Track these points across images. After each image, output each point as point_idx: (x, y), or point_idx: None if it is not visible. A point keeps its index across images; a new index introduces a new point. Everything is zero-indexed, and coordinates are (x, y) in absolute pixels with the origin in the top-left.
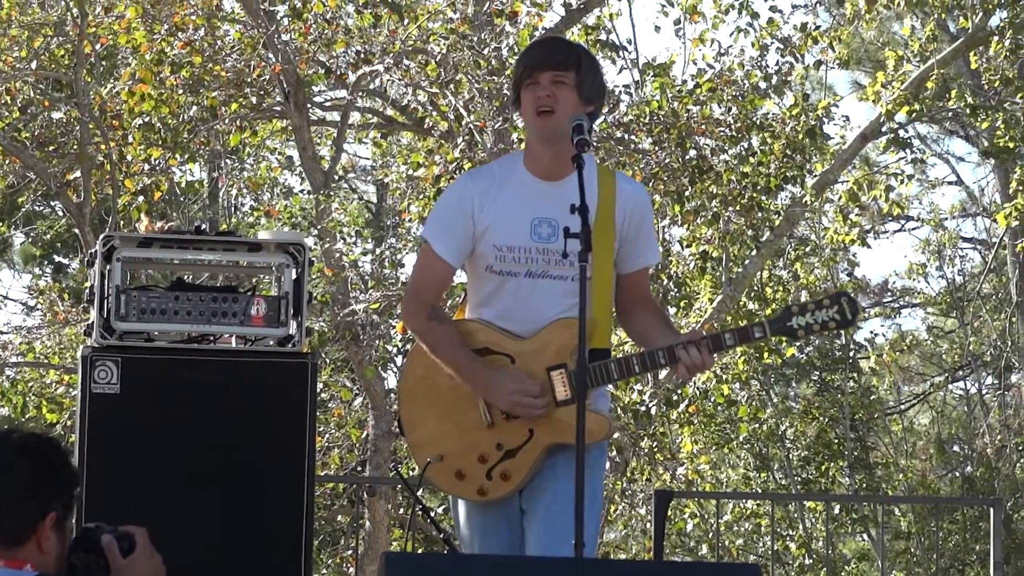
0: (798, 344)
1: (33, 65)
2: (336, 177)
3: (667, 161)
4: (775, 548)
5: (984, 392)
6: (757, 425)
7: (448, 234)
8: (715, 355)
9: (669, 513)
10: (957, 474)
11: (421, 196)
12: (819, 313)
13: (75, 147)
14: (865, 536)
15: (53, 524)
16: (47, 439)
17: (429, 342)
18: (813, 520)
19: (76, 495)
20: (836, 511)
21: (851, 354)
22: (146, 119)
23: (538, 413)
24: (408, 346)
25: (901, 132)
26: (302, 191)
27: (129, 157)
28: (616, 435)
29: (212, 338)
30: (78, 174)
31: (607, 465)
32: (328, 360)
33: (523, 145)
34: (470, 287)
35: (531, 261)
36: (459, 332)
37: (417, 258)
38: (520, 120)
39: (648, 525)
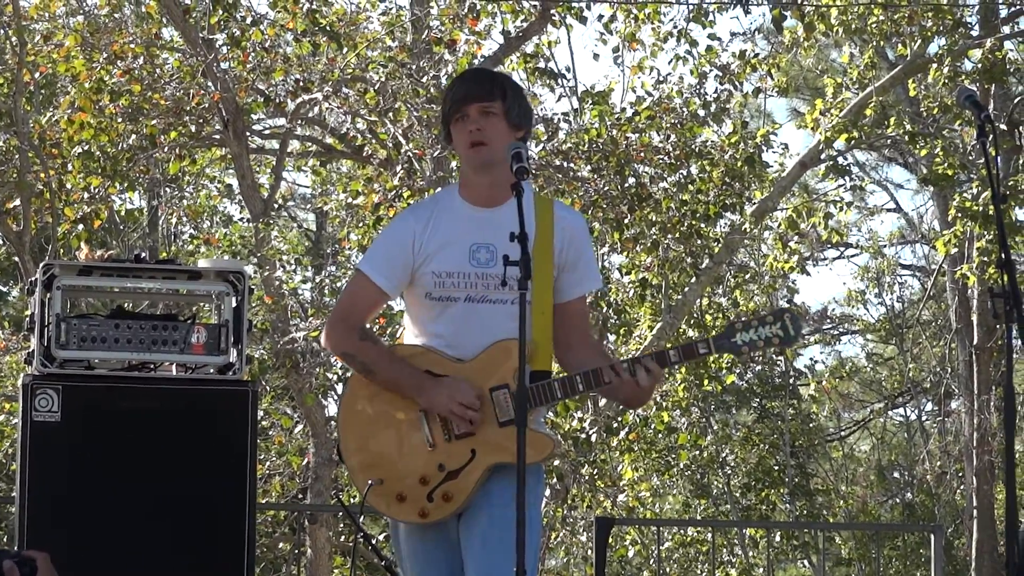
0: (738, 371)
1: None
2: (275, 205)
3: (606, 189)
4: (716, 575)
5: (924, 419)
6: (697, 452)
7: (384, 263)
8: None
9: (610, 540)
10: (897, 500)
11: (360, 224)
12: (762, 330)
13: (14, 175)
14: (806, 563)
15: None
16: None
17: (363, 361)
18: (754, 547)
19: None
20: (777, 538)
21: (791, 381)
22: (85, 147)
23: (472, 420)
24: (349, 373)
25: (840, 159)
26: (241, 219)
27: (68, 185)
28: (556, 462)
29: (152, 366)
30: (17, 202)
31: (547, 492)
32: (268, 388)
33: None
34: (409, 318)
35: (470, 286)
36: (400, 354)
37: (346, 287)
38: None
39: (589, 552)
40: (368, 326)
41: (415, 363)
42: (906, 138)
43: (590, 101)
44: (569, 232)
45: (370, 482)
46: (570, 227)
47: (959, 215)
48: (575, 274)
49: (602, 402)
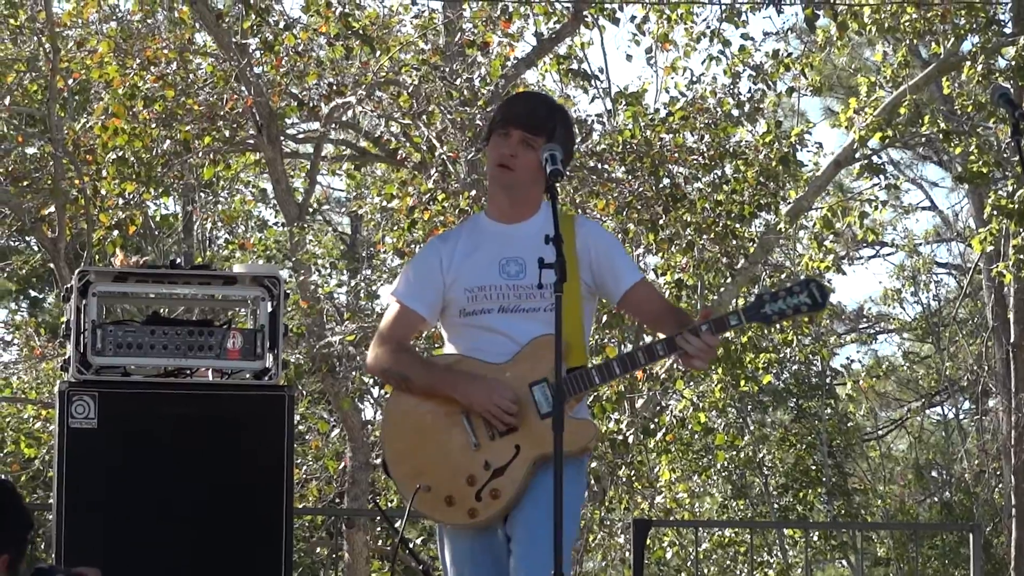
0: (774, 371)
1: (6, 101)
2: (310, 209)
3: (640, 190)
4: None
5: (961, 417)
6: (734, 453)
7: (417, 288)
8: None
9: (648, 542)
10: (936, 500)
11: (395, 227)
12: (790, 299)
13: (49, 182)
14: (844, 563)
15: (6, 567)
16: (1, 482)
17: (399, 372)
18: (791, 548)
19: (29, 538)
20: (815, 538)
21: (828, 380)
22: (119, 153)
23: (509, 421)
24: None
25: (874, 158)
26: (276, 224)
27: (103, 191)
28: (594, 464)
29: (189, 372)
30: (52, 209)
31: (584, 493)
32: (305, 392)
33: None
34: (447, 340)
35: (502, 297)
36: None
37: (384, 316)
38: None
39: (627, 554)
40: (404, 343)
41: (455, 368)
42: (940, 136)
43: (624, 102)
44: (592, 238)
45: (418, 487)
46: (592, 234)
47: (994, 213)
48: (613, 273)
49: (639, 403)
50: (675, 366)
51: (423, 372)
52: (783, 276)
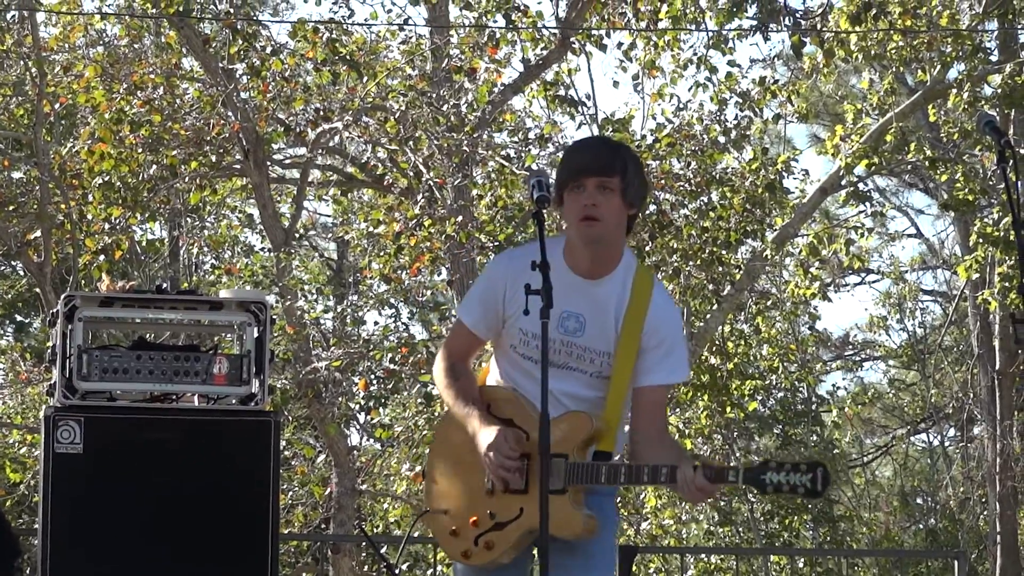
0: (760, 398)
1: None
2: (297, 235)
3: None
4: None
5: (946, 444)
6: None
7: (479, 310)
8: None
9: (634, 569)
10: (921, 527)
11: (382, 253)
12: (793, 476)
13: (35, 207)
14: None
15: None
16: None
17: (444, 397)
18: (777, 574)
19: (16, 565)
20: (800, 565)
21: (813, 407)
22: (106, 178)
23: (506, 476)
24: (371, 402)
25: (860, 185)
26: (263, 249)
27: (89, 216)
28: None
29: (175, 397)
30: (38, 234)
31: None
32: (291, 418)
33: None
34: (495, 355)
35: (555, 352)
36: (492, 397)
37: (453, 326)
38: (479, 175)
39: None
40: (459, 363)
41: (502, 410)
42: (926, 163)
43: (610, 128)
44: (661, 319)
45: (445, 511)
46: (663, 315)
47: (980, 240)
48: (659, 360)
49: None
50: None
51: (457, 403)
52: (769, 303)
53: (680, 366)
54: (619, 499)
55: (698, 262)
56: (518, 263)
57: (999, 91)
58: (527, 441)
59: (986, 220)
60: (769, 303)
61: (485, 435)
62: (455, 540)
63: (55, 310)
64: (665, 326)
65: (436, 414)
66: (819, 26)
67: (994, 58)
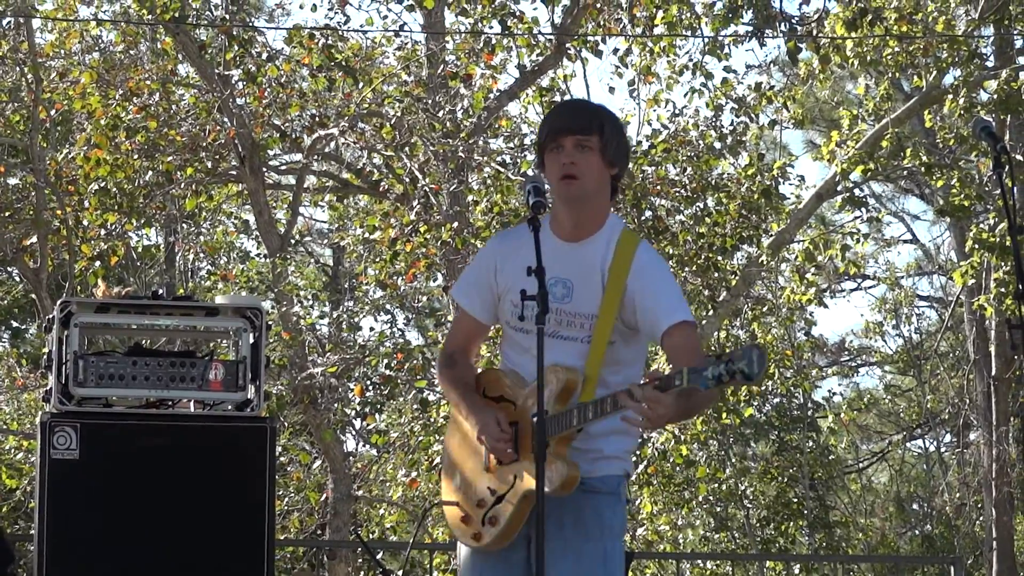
0: (756, 403)
1: None
2: (292, 241)
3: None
4: None
5: (942, 450)
6: (716, 485)
7: (473, 290)
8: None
9: (630, 574)
10: (917, 532)
11: (377, 259)
12: (732, 364)
13: (31, 213)
14: None
15: None
16: None
17: (443, 388)
18: None
19: (10, 571)
20: (796, 571)
21: (809, 413)
22: (102, 184)
23: (501, 456)
24: (367, 408)
25: (856, 191)
26: (259, 255)
27: (85, 222)
28: None
29: (170, 403)
30: (34, 240)
31: None
32: (286, 424)
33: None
34: (503, 340)
35: (549, 320)
36: (486, 380)
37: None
38: (475, 181)
39: None
40: (457, 353)
41: (497, 387)
42: (922, 169)
43: None
44: (642, 272)
45: (456, 503)
46: (645, 267)
47: (976, 246)
48: (657, 310)
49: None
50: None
51: (452, 394)
52: (765, 309)
53: (676, 305)
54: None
55: (694, 268)
56: (508, 241)
57: (995, 97)
58: (515, 410)
59: (982, 226)
60: (765, 309)
61: (476, 420)
62: (466, 527)
63: (51, 316)
64: (650, 277)
65: (432, 420)
66: (815, 32)
67: (990, 64)
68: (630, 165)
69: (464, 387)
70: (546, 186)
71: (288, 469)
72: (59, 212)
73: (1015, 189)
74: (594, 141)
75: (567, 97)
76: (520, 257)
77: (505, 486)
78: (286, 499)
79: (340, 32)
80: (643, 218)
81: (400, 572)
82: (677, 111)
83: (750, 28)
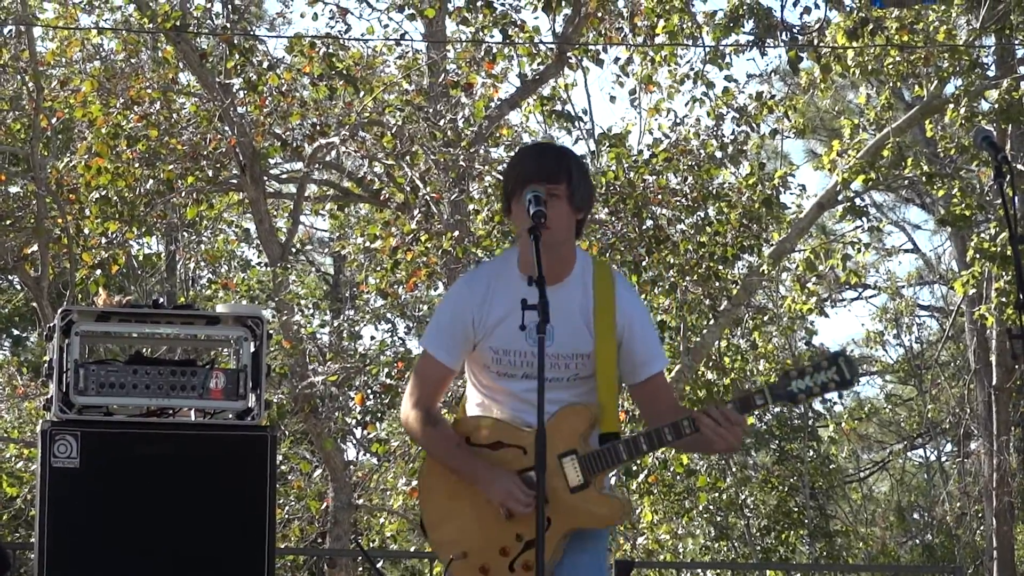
0: (756, 413)
1: None
2: (293, 249)
3: (623, 231)
4: None
5: (943, 460)
6: (717, 494)
7: (447, 339)
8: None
9: None
10: (917, 542)
11: (378, 268)
12: (818, 375)
13: (32, 221)
14: None
15: None
16: None
17: (428, 448)
18: None
19: None
20: None
21: (810, 423)
22: (103, 192)
23: (526, 512)
24: (368, 417)
25: (857, 200)
26: (259, 264)
27: (86, 231)
28: None
29: (171, 412)
30: (35, 248)
31: None
32: (287, 432)
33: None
34: (471, 379)
35: (527, 364)
36: (468, 428)
37: (415, 365)
38: (476, 190)
39: None
40: (433, 409)
41: (485, 435)
42: (923, 179)
43: (607, 143)
44: (629, 315)
45: (452, 557)
46: (630, 309)
47: (977, 256)
48: (643, 354)
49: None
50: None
51: (447, 454)
52: (766, 318)
53: (661, 349)
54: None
55: (695, 277)
56: (477, 283)
57: (996, 106)
58: (525, 456)
59: (983, 235)
60: (766, 318)
61: (496, 488)
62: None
63: (52, 324)
64: (638, 317)
65: None
66: (816, 41)
67: (991, 73)
68: (631, 174)
69: (460, 448)
70: (541, 196)
71: (289, 478)
72: (60, 220)
73: (1016, 199)
74: (562, 189)
75: (567, 107)
76: (497, 300)
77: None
78: (287, 508)
79: (341, 41)
80: (644, 227)
81: None
82: (678, 120)
83: (751, 37)
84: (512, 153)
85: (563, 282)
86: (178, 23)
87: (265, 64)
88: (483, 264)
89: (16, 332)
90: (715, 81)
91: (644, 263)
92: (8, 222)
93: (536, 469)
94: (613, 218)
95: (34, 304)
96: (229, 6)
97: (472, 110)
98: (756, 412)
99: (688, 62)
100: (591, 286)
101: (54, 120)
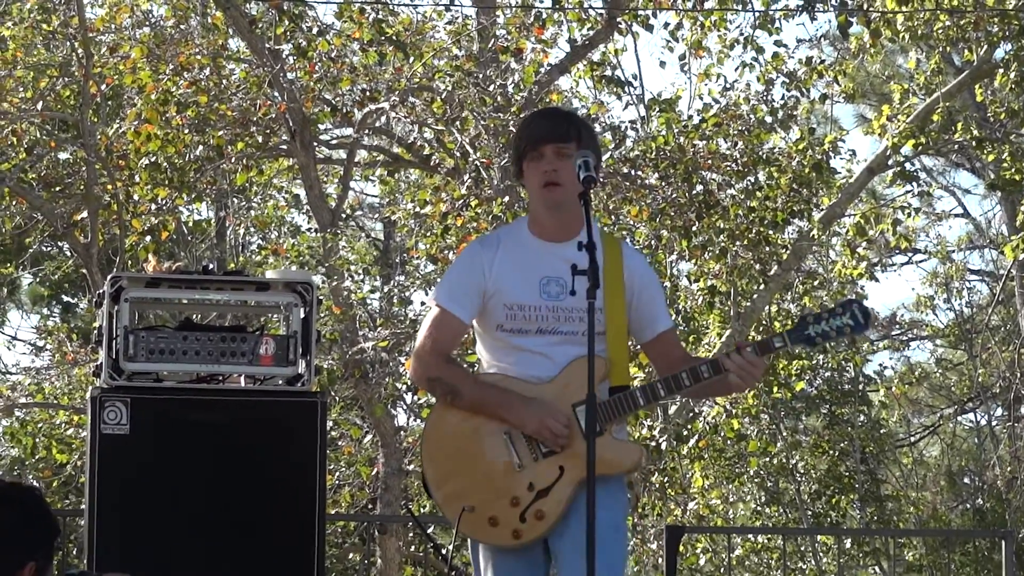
0: (807, 377)
1: (39, 106)
2: (343, 215)
3: (674, 196)
4: None
5: (994, 424)
6: (767, 459)
7: (459, 294)
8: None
9: (681, 548)
10: (968, 506)
11: (429, 233)
12: (833, 320)
13: (82, 188)
14: (877, 569)
15: (33, 574)
16: (28, 489)
17: (449, 383)
18: (824, 554)
19: (56, 545)
20: (847, 545)
21: (860, 387)
22: (152, 159)
23: (562, 443)
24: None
25: (907, 165)
26: (309, 229)
27: (136, 197)
28: None
29: (221, 378)
30: (85, 214)
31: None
32: (337, 398)
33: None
34: (482, 348)
35: (541, 319)
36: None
37: (424, 321)
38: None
39: (660, 560)
40: (448, 355)
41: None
42: (973, 143)
43: (657, 109)
44: (639, 273)
45: (464, 508)
46: (639, 268)
47: None
48: (652, 313)
49: (671, 410)
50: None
51: (474, 388)
52: (816, 283)
53: (666, 313)
54: (667, 479)
55: (745, 242)
56: (489, 242)
57: None
58: None
59: None
60: (816, 283)
61: (528, 412)
62: (498, 528)
63: (101, 291)
64: (646, 277)
65: None
66: (866, 6)
67: None
68: (681, 139)
69: (488, 383)
70: (591, 161)
71: (339, 444)
72: (110, 187)
73: None
74: (572, 148)
75: (617, 72)
76: (510, 257)
77: (550, 479)
78: (337, 474)
79: (391, 6)
80: (694, 192)
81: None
82: (728, 85)
83: (801, 2)
84: None
85: (572, 240)
86: None
87: (315, 30)
88: (493, 230)
89: (66, 299)
90: (765, 46)
91: (694, 228)
92: (58, 188)
93: (587, 405)
94: (663, 183)
95: (84, 271)
96: None
97: (522, 75)
98: (774, 353)
99: (738, 27)
100: (601, 246)
101: (104, 87)
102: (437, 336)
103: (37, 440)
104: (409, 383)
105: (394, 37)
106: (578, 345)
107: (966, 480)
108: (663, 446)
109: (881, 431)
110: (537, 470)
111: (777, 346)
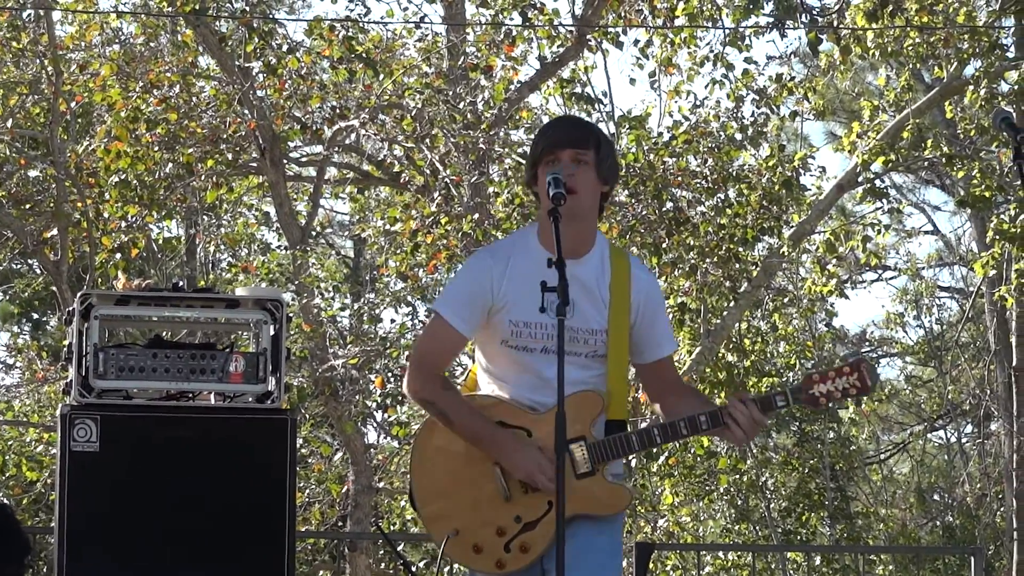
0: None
1: (8, 123)
2: (313, 232)
3: (644, 213)
4: None
5: (964, 441)
6: (737, 476)
7: (464, 307)
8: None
9: (651, 566)
10: (937, 523)
11: (398, 251)
12: (839, 380)
13: (51, 205)
14: None
15: None
16: None
17: (443, 410)
18: (794, 571)
19: (27, 562)
20: (817, 562)
21: (830, 404)
22: (122, 176)
23: (549, 487)
24: (388, 400)
25: (877, 182)
26: (279, 247)
27: (106, 214)
28: None
29: (191, 395)
30: (55, 232)
31: None
32: (307, 416)
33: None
34: (482, 359)
35: (547, 337)
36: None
37: (425, 329)
38: (496, 173)
39: None
40: (447, 374)
41: (489, 414)
42: (943, 160)
43: (627, 126)
44: (645, 295)
45: (448, 535)
46: (647, 288)
47: (997, 237)
48: (653, 336)
49: (641, 426)
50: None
51: (468, 420)
52: (786, 300)
53: (671, 337)
54: (636, 496)
55: (715, 259)
56: (499, 253)
57: (1016, 87)
58: (530, 439)
59: (1002, 216)
60: (786, 300)
61: (518, 458)
62: (481, 556)
63: (71, 308)
64: (653, 299)
65: None
66: (836, 23)
67: (1011, 55)
68: (651, 156)
69: (478, 414)
70: (560, 178)
71: (309, 461)
72: (79, 204)
73: None
74: (590, 156)
75: (587, 89)
76: (518, 272)
77: (538, 513)
78: (307, 491)
79: (360, 24)
80: (664, 209)
81: (421, 564)
82: (698, 102)
83: (771, 19)
84: (532, 136)
85: (587, 255)
86: (197, 6)
87: (284, 47)
88: (503, 239)
89: (36, 316)
90: (735, 63)
91: (664, 245)
92: (28, 206)
93: (557, 447)
94: (633, 200)
95: (53, 288)
96: None
97: (492, 93)
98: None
99: (708, 44)
100: (608, 264)
101: (73, 104)
102: (434, 348)
103: (7, 458)
104: (379, 400)
105: (364, 54)
106: (582, 368)
107: (936, 497)
108: (633, 463)
109: (851, 448)
110: (525, 503)
111: (779, 405)
